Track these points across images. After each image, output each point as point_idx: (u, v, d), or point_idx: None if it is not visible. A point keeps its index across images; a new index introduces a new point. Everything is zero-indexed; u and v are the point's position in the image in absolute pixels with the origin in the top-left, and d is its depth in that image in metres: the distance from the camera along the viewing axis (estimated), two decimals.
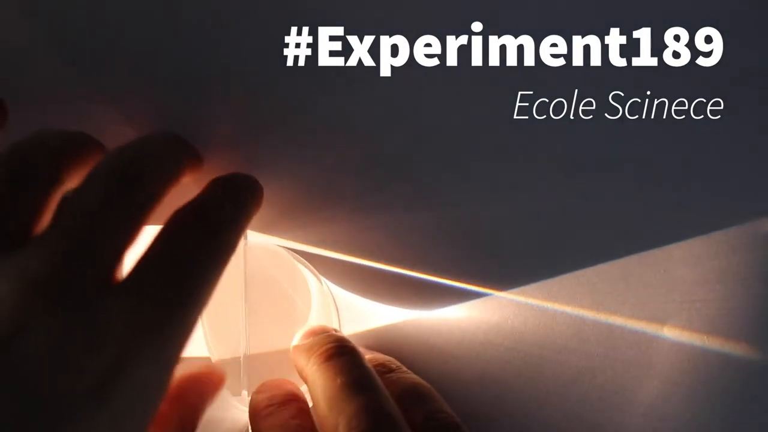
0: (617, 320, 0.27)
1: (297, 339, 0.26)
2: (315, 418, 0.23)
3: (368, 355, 0.27)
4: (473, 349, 0.28)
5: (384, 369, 0.26)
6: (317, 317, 0.28)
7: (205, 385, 0.25)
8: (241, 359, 0.26)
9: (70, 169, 0.21)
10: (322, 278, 0.27)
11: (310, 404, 0.24)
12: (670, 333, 0.27)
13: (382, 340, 0.28)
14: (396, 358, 0.28)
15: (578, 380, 0.28)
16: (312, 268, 0.27)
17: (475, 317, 0.28)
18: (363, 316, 0.28)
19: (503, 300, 0.28)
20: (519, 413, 0.28)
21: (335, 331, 0.26)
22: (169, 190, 0.21)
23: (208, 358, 0.27)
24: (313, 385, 0.23)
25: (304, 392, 0.25)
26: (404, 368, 0.27)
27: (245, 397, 0.26)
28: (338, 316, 0.28)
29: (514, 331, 0.28)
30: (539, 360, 0.28)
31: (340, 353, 0.24)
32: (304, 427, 0.23)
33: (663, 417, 0.27)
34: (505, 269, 0.28)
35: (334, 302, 0.27)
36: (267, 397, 0.24)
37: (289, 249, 0.27)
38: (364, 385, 0.23)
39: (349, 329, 0.28)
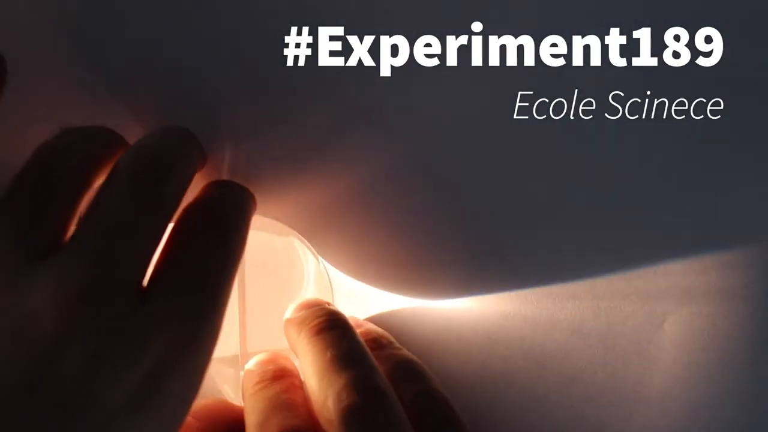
0: (617, 317, 0.27)
1: (289, 312, 0.26)
2: (306, 392, 0.23)
3: (362, 328, 0.27)
4: (473, 346, 0.28)
5: (376, 345, 0.26)
6: (311, 296, 0.28)
7: (236, 422, 0.25)
8: (239, 358, 0.26)
9: (97, 171, 0.21)
10: (320, 258, 0.27)
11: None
12: (670, 330, 0.27)
13: (379, 326, 0.28)
14: None
15: (579, 378, 0.28)
16: (309, 245, 0.27)
17: (475, 314, 0.28)
18: (360, 301, 0.28)
19: (504, 297, 0.28)
20: (519, 410, 0.28)
21: (328, 304, 0.26)
22: (187, 189, 0.21)
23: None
24: (304, 358, 0.23)
25: (298, 367, 0.25)
26: (397, 344, 0.26)
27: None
28: (332, 297, 0.28)
29: (515, 328, 0.28)
30: (540, 357, 0.28)
31: (330, 327, 0.24)
32: (295, 402, 0.23)
33: (663, 414, 0.27)
34: (505, 267, 0.28)
35: (330, 282, 0.27)
36: (259, 372, 0.24)
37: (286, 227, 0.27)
38: (355, 359, 0.22)
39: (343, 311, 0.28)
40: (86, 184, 0.20)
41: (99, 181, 0.21)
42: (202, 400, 0.26)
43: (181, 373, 0.18)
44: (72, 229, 0.19)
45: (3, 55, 0.21)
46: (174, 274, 0.19)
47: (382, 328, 0.28)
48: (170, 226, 0.21)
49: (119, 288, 0.18)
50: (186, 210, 0.21)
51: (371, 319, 0.28)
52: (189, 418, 0.24)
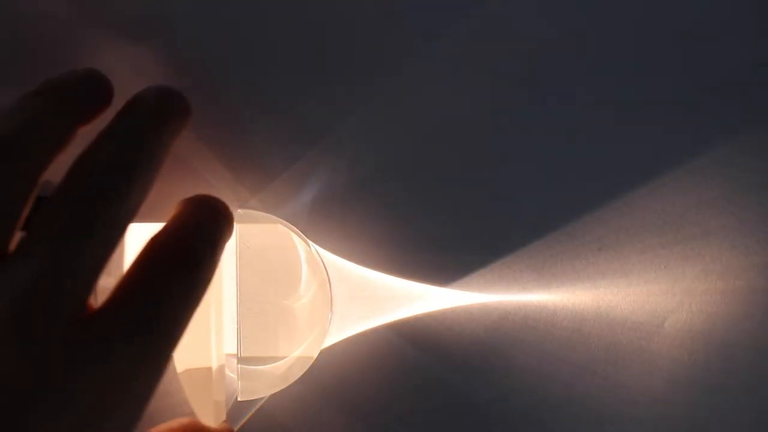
0: (618, 316, 0.27)
1: None
2: None
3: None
4: (474, 346, 0.27)
5: None
6: (309, 291, 0.27)
7: None
8: (236, 363, 0.25)
9: (43, 170, 0.18)
10: (311, 242, 0.27)
11: None
12: (670, 329, 0.27)
13: (378, 325, 0.28)
14: (392, 343, 0.27)
15: (579, 377, 0.27)
16: (300, 233, 0.26)
17: (475, 315, 0.27)
18: (358, 296, 0.27)
19: (504, 296, 0.27)
20: (520, 409, 0.28)
21: None
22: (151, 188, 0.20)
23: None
24: None
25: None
26: None
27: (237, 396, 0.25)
28: (331, 292, 0.27)
29: (516, 328, 0.27)
30: (540, 357, 0.27)
31: None
32: None
33: (664, 413, 0.27)
34: (506, 265, 0.27)
35: (328, 277, 0.26)
36: None
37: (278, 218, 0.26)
38: None
39: (342, 308, 0.27)
40: (34, 184, 0.18)
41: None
42: (170, 422, 0.25)
43: (123, 410, 0.17)
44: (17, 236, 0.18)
45: (109, 80, 0.20)
46: (127, 304, 0.18)
47: (382, 328, 0.27)
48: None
49: (59, 317, 0.17)
50: (157, 236, 0.20)
51: (369, 318, 0.27)
52: None
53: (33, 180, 0.18)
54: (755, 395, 0.27)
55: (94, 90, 0.21)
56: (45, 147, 0.18)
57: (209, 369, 0.24)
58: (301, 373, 0.26)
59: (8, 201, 0.17)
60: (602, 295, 0.27)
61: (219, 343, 0.24)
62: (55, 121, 0.19)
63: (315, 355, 0.26)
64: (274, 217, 0.26)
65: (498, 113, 0.26)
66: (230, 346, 0.25)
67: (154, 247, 0.19)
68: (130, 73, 0.25)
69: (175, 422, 0.25)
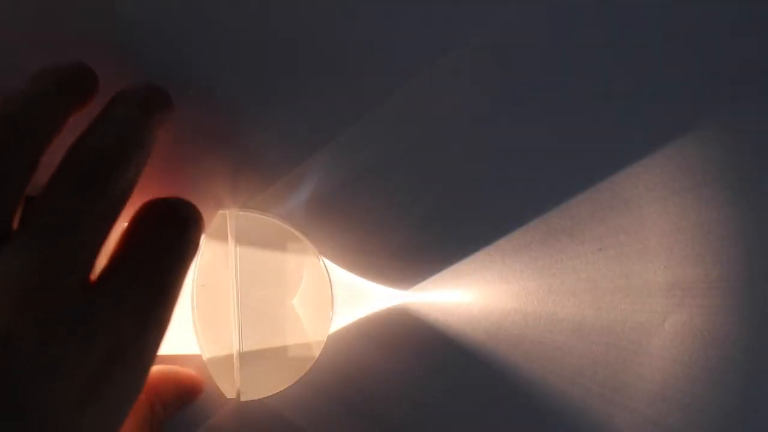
0: (617, 317, 0.27)
1: None
2: None
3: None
4: (474, 345, 0.28)
5: None
6: (310, 291, 0.27)
7: (185, 389, 0.25)
8: (235, 359, 0.25)
9: (47, 146, 0.19)
10: (318, 254, 0.27)
11: None
12: (670, 329, 0.27)
13: (378, 324, 0.28)
14: (392, 344, 0.27)
15: (579, 376, 0.27)
16: (300, 233, 0.26)
17: (476, 313, 0.27)
18: (359, 295, 0.28)
19: (504, 297, 0.27)
20: (519, 410, 0.28)
21: None
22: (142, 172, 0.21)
23: (200, 357, 0.26)
24: None
25: None
26: None
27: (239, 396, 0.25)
28: (332, 291, 0.27)
29: (515, 328, 0.27)
30: (540, 357, 0.27)
31: None
32: None
33: (664, 413, 0.27)
34: (506, 265, 0.27)
35: (329, 278, 0.27)
36: None
37: (282, 220, 0.26)
38: None
39: (343, 308, 0.28)
40: (32, 169, 0.19)
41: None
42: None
43: (129, 366, 0.18)
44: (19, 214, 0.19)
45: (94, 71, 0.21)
46: (125, 267, 0.19)
47: (383, 327, 0.27)
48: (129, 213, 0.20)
49: (66, 284, 0.18)
50: (146, 204, 0.21)
51: (370, 317, 0.27)
52: None
53: (36, 158, 0.19)
54: (755, 395, 0.27)
55: (85, 78, 0.22)
56: (46, 127, 0.19)
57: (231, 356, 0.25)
58: (303, 373, 0.26)
59: (13, 175, 0.18)
60: (602, 295, 0.27)
61: (241, 332, 0.25)
62: (55, 104, 0.20)
63: (316, 355, 0.26)
64: (275, 218, 0.26)
65: (498, 113, 0.26)
66: (232, 347, 0.26)
67: (141, 215, 0.21)
68: (125, 74, 0.25)
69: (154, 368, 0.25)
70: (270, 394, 0.26)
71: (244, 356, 0.25)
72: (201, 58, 0.25)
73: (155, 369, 0.25)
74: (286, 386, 0.26)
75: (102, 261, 0.19)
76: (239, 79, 0.25)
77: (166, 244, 0.20)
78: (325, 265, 0.27)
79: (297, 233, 0.26)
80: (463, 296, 0.27)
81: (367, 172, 0.26)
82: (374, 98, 0.26)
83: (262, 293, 0.26)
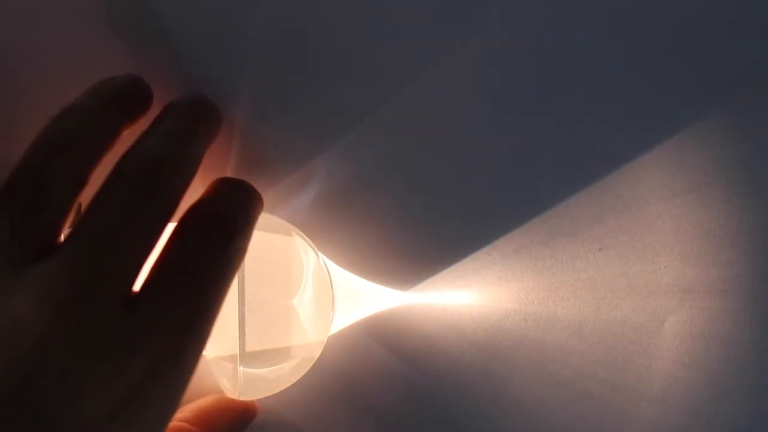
0: (618, 317, 0.27)
1: None
2: None
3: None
4: (474, 345, 0.28)
5: None
6: (311, 291, 0.27)
7: (238, 418, 0.25)
8: (237, 359, 0.25)
9: (95, 165, 0.19)
10: (320, 254, 0.27)
11: None
12: (670, 330, 0.27)
13: (379, 324, 0.28)
14: (393, 345, 0.27)
15: (580, 377, 0.27)
16: (309, 241, 0.26)
17: (476, 313, 0.27)
18: (360, 296, 0.28)
19: (504, 297, 0.27)
20: (519, 410, 0.28)
21: None
22: (189, 187, 0.20)
23: (203, 356, 0.26)
24: None
25: None
26: None
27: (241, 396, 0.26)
28: (332, 291, 0.27)
29: (516, 328, 0.27)
30: (540, 357, 0.27)
31: None
32: None
33: (664, 413, 0.27)
34: (506, 265, 0.27)
35: (329, 278, 0.27)
36: None
37: (284, 221, 0.27)
38: None
39: (344, 308, 0.28)
40: (83, 182, 0.19)
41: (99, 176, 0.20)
42: (198, 401, 0.25)
43: (165, 385, 0.18)
44: (66, 229, 0.19)
45: (149, 86, 0.22)
46: (168, 281, 0.19)
47: (383, 327, 0.27)
48: (172, 225, 0.20)
49: (107, 297, 0.17)
50: (190, 209, 0.20)
51: (371, 318, 0.28)
52: (185, 425, 0.23)
53: (86, 173, 0.19)
54: (755, 395, 0.27)
55: (139, 92, 0.22)
56: (98, 143, 0.20)
57: (234, 356, 0.25)
58: (303, 373, 0.26)
59: (60, 190, 0.18)
60: (602, 295, 0.27)
61: (243, 332, 0.25)
62: (108, 120, 0.20)
63: (317, 355, 0.26)
64: (276, 218, 0.26)
65: (498, 113, 0.26)
66: (234, 347, 0.26)
67: (188, 221, 0.20)
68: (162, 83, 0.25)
69: (208, 399, 0.25)
70: (270, 394, 0.26)
71: (244, 356, 0.26)
72: (205, 58, 0.25)
73: (210, 399, 0.25)
74: (286, 386, 0.26)
75: (147, 270, 0.19)
76: (243, 80, 0.25)
77: (211, 255, 0.19)
78: (326, 266, 0.27)
79: (298, 234, 0.26)
80: (463, 297, 0.27)
81: (369, 173, 0.26)
82: (374, 100, 0.26)
83: (263, 293, 0.27)
